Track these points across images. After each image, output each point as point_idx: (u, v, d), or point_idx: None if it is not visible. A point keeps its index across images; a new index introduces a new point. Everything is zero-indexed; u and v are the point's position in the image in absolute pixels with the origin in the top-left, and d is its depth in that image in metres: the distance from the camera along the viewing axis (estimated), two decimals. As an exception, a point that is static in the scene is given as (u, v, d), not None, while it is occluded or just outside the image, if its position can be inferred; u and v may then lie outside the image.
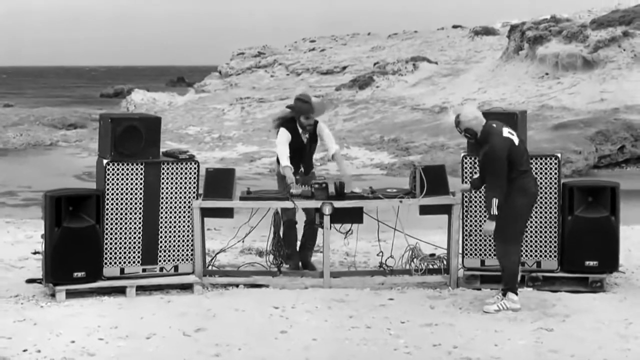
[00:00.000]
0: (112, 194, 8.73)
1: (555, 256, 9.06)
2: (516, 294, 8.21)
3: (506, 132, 8.08)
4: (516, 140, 8.10)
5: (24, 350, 6.84)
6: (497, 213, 7.91)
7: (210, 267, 9.42)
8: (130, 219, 8.80)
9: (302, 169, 9.75)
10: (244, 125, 33.54)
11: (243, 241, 10.05)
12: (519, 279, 8.32)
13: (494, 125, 8.09)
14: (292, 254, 9.77)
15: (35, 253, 10.53)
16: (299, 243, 9.89)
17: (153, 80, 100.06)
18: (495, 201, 7.91)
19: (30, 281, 9.14)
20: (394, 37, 54.45)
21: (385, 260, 9.36)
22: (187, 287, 8.92)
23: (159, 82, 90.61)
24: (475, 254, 9.11)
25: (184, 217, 8.99)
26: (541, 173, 9.04)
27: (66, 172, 22.86)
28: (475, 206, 9.04)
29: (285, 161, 9.59)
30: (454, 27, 54.94)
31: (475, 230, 9.06)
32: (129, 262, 8.82)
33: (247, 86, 45.10)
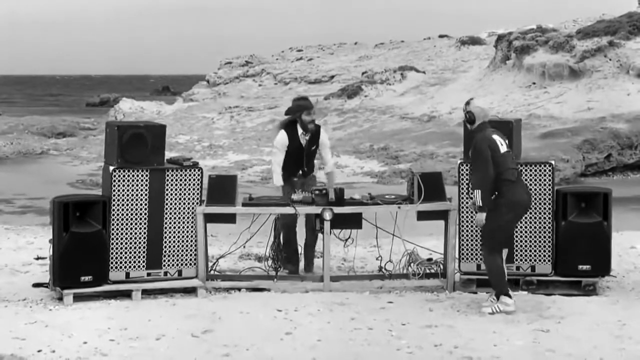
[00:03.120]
0: (118, 200, 8.92)
1: (549, 260, 9.30)
2: (509, 296, 8.43)
3: (496, 136, 8.49)
4: (502, 148, 8.44)
5: (39, 351, 7.02)
6: (481, 205, 8.29)
7: (212, 272, 9.61)
8: (136, 224, 8.99)
9: (300, 172, 9.95)
10: (233, 133, 33.72)
11: (244, 247, 10.25)
12: (506, 279, 8.55)
13: (490, 128, 8.55)
14: (292, 257, 9.95)
15: (37, 259, 10.69)
16: (299, 248, 10.07)
17: (137, 89, 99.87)
18: (478, 193, 8.29)
19: (37, 285, 9.29)
20: (381, 46, 54.65)
21: (385, 265, 9.60)
22: (190, 291, 9.11)
23: (143, 91, 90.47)
24: (471, 259, 9.34)
25: (188, 222, 9.18)
26: (535, 180, 9.29)
27: (59, 180, 22.96)
28: (471, 212, 9.26)
29: (279, 181, 9.83)
30: (441, 36, 55.22)
31: (472, 235, 9.29)
32: (134, 267, 9.01)
33: (236, 95, 45.24)
